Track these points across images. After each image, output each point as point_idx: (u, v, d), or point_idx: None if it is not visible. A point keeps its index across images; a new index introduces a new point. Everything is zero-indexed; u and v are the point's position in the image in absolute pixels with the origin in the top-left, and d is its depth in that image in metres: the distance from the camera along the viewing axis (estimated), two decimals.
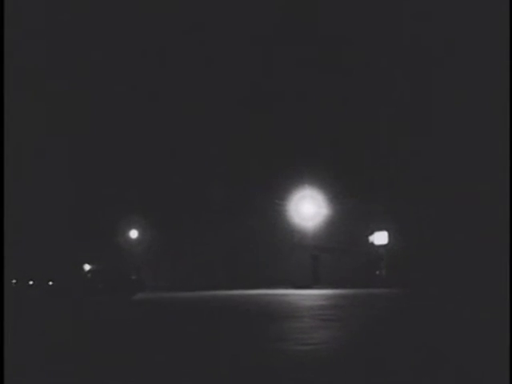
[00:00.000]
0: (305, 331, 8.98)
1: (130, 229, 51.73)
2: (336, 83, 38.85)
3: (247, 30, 40.87)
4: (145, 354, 6.92)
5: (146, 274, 40.01)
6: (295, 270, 41.02)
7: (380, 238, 39.11)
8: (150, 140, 46.64)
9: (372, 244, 39.74)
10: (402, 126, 36.63)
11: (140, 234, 51.61)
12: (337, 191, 40.18)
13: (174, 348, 7.58)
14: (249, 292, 31.36)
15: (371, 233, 39.69)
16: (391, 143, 37.22)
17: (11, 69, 27.42)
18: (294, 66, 40.27)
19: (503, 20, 24.56)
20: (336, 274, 38.68)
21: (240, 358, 6.41)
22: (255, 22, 40.06)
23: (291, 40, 39.79)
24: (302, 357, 6.33)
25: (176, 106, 44.50)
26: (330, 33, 38.33)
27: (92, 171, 47.93)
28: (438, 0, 33.78)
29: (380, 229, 38.91)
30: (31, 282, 49.69)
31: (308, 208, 42.10)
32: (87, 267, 37.48)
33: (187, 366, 6.05)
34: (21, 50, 38.71)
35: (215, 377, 5.39)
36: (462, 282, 27.75)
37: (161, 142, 46.65)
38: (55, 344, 8.44)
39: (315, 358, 6.24)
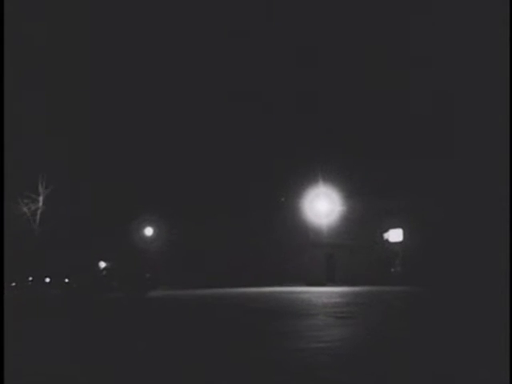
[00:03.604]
0: (320, 328, 8.93)
1: (145, 226, 51.93)
2: (349, 78, 38.73)
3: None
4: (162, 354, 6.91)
5: (161, 272, 40.15)
6: (310, 267, 40.95)
7: (395, 235, 38.91)
8: (164, 140, 46.82)
9: (387, 241, 39.55)
10: (416, 124, 36.40)
11: (155, 231, 51.78)
12: (351, 189, 40.04)
13: (187, 345, 7.57)
14: (263, 289, 31.34)
15: (386, 230, 39.49)
16: (406, 140, 37.01)
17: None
18: (303, 61, 40.11)
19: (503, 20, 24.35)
20: (350, 271, 38.55)
21: (256, 356, 6.37)
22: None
23: (290, 39, 39.70)
24: (319, 354, 6.28)
25: (184, 106, 44.61)
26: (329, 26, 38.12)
27: (107, 169, 48.19)
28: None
29: (395, 226, 38.70)
30: (47, 280, 50.11)
31: (323, 205, 41.97)
32: (102, 265, 37.69)
33: (202, 361, 6.03)
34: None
35: (231, 374, 5.36)
36: (478, 280, 27.51)
37: (174, 140, 46.79)
38: (67, 341, 8.47)
39: (331, 355, 6.19)
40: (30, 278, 47.99)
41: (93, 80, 45.03)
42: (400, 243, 38.45)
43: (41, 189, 43.77)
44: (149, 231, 52.18)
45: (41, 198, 43.83)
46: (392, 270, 39.02)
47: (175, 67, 43.89)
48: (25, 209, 43.25)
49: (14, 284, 47.72)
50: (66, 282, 36.78)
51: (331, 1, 39.01)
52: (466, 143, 33.50)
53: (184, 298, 22.76)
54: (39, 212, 43.81)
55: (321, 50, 39.08)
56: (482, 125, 32.61)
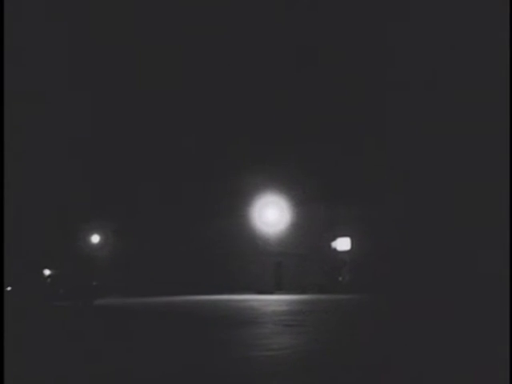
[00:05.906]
0: (267, 337, 9.02)
1: (92, 233, 50.97)
2: (300, 84, 38.96)
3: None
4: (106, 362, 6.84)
5: (109, 279, 39.46)
6: (259, 275, 41.04)
7: (343, 244, 39.42)
8: (115, 142, 46.06)
9: (335, 250, 40.04)
10: (367, 132, 36.98)
11: (102, 238, 50.88)
12: (300, 197, 40.39)
13: (136, 355, 7.51)
14: (212, 297, 31.26)
15: (334, 239, 40.00)
16: (355, 149, 37.55)
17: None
18: (255, 65, 39.99)
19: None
20: (299, 279, 38.85)
21: (204, 365, 6.39)
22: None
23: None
24: (266, 363, 6.35)
25: (147, 110, 44.00)
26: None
27: (54, 174, 47.06)
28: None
29: (343, 235, 39.23)
30: None
31: (271, 214, 42.25)
32: (47, 272, 36.70)
33: (151, 373, 6.01)
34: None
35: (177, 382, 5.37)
36: (424, 287, 28.23)
37: (126, 144, 46.12)
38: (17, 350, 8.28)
39: (278, 364, 6.28)
40: None
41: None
42: (348, 252, 38.98)
43: None
44: (96, 238, 51.25)
45: None
46: (340, 278, 39.52)
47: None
48: None
49: None
50: (9, 291, 35.63)
51: None
52: (420, 151, 34.04)
53: (132, 307, 22.48)
54: None
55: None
56: (439, 131, 33.09)
